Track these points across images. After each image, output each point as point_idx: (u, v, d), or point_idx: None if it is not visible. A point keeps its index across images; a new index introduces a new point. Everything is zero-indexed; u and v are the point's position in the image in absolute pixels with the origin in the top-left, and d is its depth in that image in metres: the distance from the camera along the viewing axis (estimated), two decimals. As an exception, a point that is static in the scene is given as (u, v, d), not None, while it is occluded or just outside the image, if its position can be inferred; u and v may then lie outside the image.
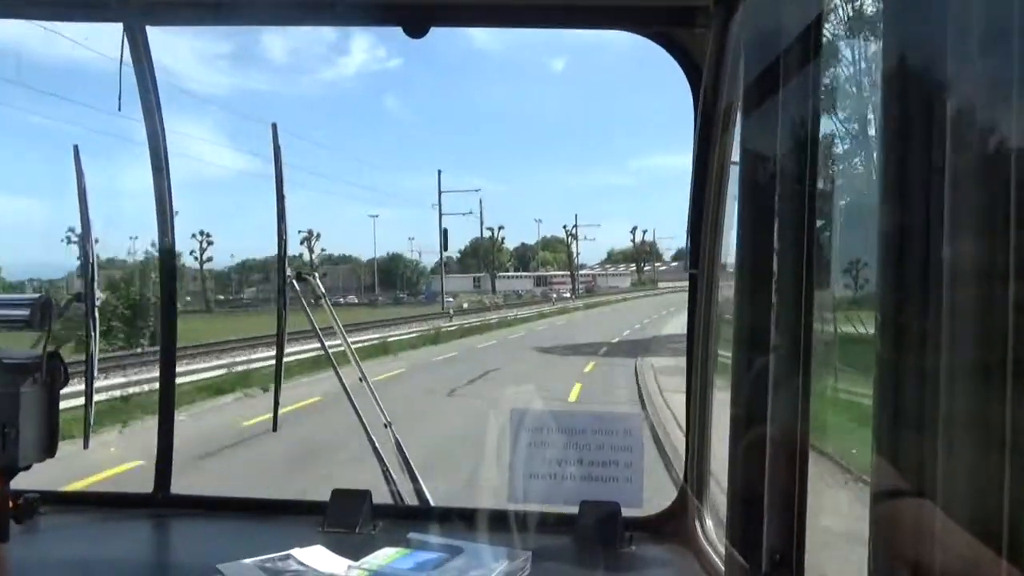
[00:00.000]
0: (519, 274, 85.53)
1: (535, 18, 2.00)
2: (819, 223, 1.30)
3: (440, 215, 56.39)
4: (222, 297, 65.30)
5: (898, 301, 0.91)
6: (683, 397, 2.15)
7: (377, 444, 2.37)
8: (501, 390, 16.02)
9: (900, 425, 0.89)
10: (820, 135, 1.29)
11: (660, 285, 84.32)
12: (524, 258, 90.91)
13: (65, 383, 1.51)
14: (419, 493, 2.34)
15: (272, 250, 2.36)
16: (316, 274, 2.40)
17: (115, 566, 1.92)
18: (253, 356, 18.60)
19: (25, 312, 1.47)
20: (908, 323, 0.90)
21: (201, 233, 61.59)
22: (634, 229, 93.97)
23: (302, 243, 66.15)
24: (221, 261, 68.46)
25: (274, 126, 2.17)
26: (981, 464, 0.77)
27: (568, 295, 65.99)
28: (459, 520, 2.06)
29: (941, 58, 0.82)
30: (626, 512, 2.02)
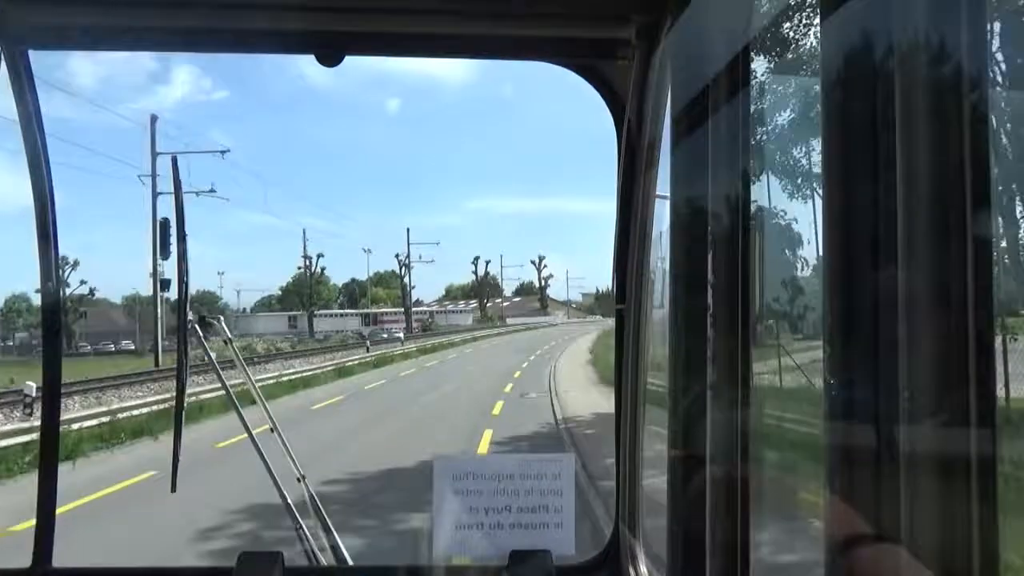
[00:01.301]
0: (344, 312, 75.96)
1: (455, 48, 1.96)
2: (754, 257, 1.28)
3: (154, 193, 33.19)
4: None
5: (846, 331, 0.88)
6: None
7: (289, 500, 2.19)
8: None
9: (854, 462, 0.85)
10: (752, 166, 1.27)
11: (509, 322, 77.63)
12: (354, 295, 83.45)
13: None
14: (335, 550, 2.18)
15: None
16: (221, 318, 2.23)
17: None
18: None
19: None
20: (857, 355, 0.86)
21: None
22: (476, 259, 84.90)
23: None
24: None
25: (174, 158, 2.03)
26: (947, 501, 0.74)
27: (400, 334, 53.32)
28: None
29: (881, 80, 0.80)
30: (558, 560, 1.94)
